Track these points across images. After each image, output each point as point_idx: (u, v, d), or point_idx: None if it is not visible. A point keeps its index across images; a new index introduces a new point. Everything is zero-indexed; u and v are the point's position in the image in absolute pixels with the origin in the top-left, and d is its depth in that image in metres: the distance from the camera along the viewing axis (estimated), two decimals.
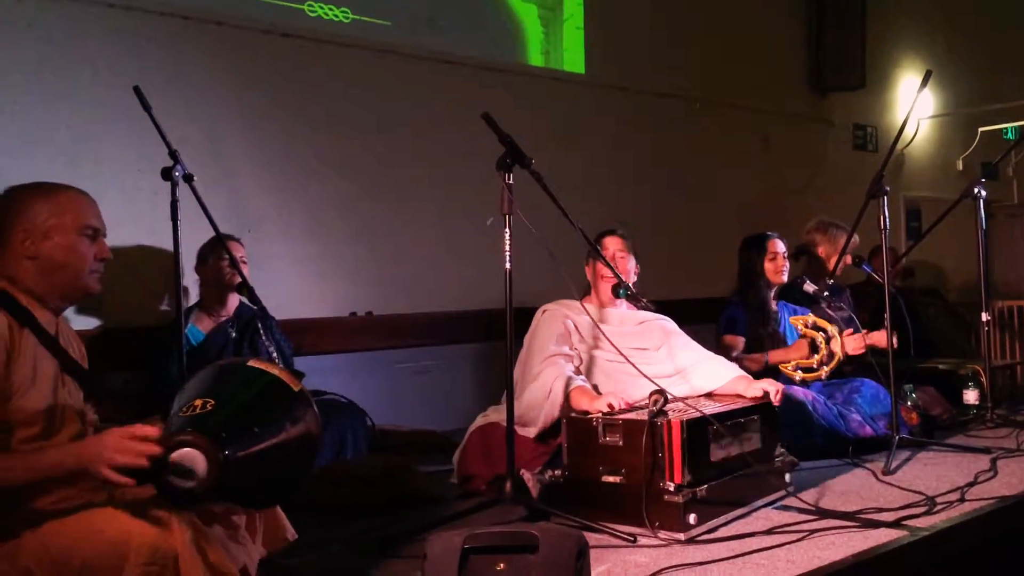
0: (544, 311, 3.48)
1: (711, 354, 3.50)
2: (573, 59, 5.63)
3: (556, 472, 2.96)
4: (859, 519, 2.85)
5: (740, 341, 4.13)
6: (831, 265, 4.44)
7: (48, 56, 3.73)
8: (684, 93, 6.16)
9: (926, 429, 4.14)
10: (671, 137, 6.08)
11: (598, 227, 3.63)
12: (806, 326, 4.11)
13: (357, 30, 4.67)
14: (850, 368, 4.19)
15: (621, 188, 5.71)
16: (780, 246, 4.24)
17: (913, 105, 4.12)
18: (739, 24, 6.56)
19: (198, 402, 1.85)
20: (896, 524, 2.80)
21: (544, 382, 3.21)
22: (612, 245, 3.55)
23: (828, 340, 4.06)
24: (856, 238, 4.36)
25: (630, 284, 3.46)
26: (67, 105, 3.76)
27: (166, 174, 3.20)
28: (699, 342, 3.57)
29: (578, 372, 3.30)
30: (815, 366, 4.05)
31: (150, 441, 1.73)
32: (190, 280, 3.97)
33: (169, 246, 3.24)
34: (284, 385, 1.99)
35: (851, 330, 4.11)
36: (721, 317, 4.30)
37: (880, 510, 2.94)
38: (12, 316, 1.89)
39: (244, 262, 3.76)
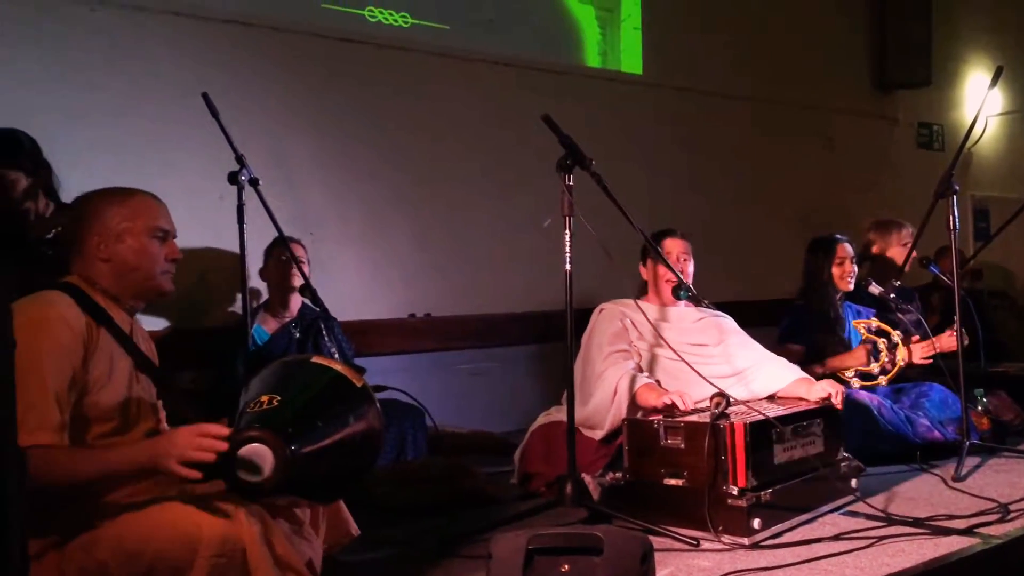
0: (601, 310, 3.47)
1: (772, 355, 3.44)
2: (631, 60, 5.59)
3: (617, 474, 2.93)
4: (929, 526, 2.78)
5: (799, 351, 3.98)
6: (899, 262, 4.32)
7: (116, 63, 3.82)
8: (744, 93, 6.08)
9: (997, 435, 4.01)
10: (731, 137, 6.00)
11: (656, 228, 3.59)
12: (868, 331, 4.00)
13: (416, 34, 4.71)
14: (918, 372, 4.07)
15: (679, 189, 5.66)
16: (849, 250, 4.12)
17: (984, 102, 4.00)
18: (800, 20, 6.45)
19: (264, 398, 1.89)
20: (968, 532, 2.72)
21: (608, 383, 3.19)
22: (675, 248, 3.48)
23: (892, 347, 3.94)
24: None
25: (690, 285, 3.42)
26: (134, 111, 3.85)
27: (232, 178, 3.27)
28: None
29: (639, 369, 3.28)
30: (875, 373, 3.94)
31: (218, 438, 1.77)
32: (258, 282, 4.04)
33: (234, 248, 3.31)
34: (347, 381, 2.03)
35: (918, 336, 4.00)
36: (782, 321, 4.21)
37: (951, 517, 2.87)
38: (90, 315, 1.96)
39: (305, 263, 3.80)
